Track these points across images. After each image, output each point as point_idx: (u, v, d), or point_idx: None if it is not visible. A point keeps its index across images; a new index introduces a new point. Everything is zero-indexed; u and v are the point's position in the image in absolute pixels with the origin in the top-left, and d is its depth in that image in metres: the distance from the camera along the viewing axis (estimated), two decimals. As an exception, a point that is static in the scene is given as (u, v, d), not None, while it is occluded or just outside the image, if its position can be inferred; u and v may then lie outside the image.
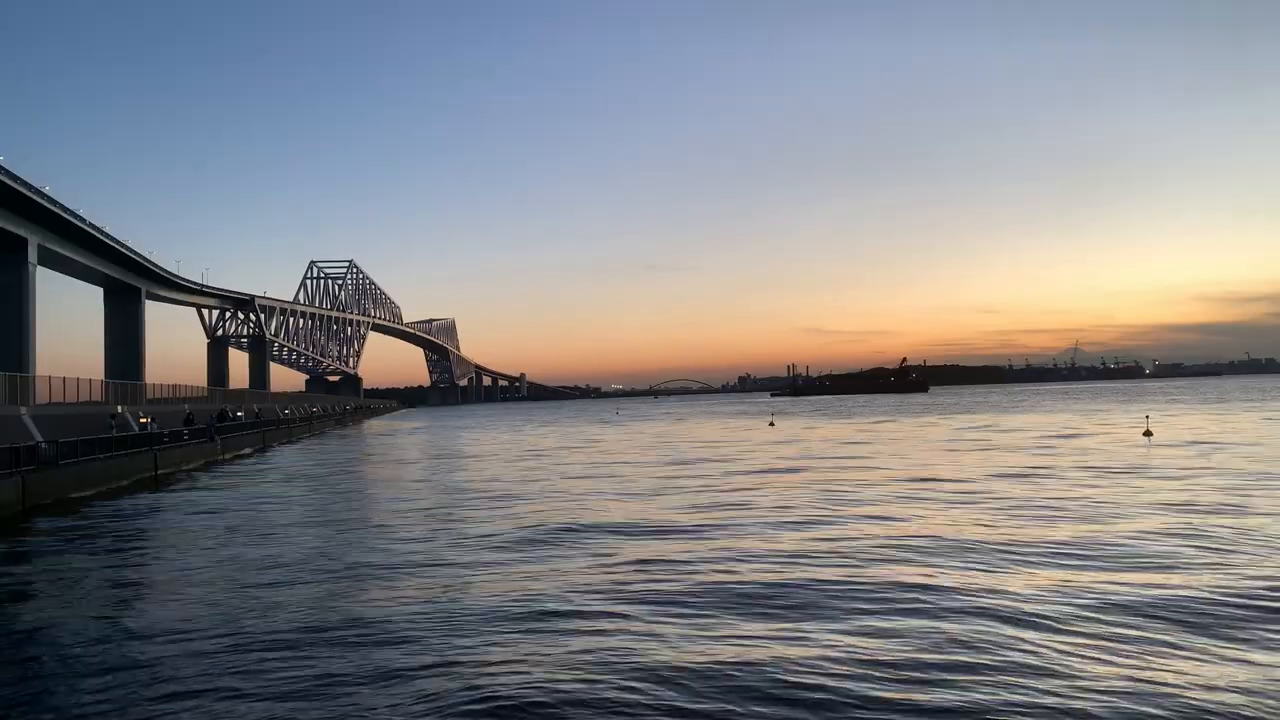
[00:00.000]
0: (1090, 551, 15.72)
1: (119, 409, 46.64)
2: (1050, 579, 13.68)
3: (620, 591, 13.73)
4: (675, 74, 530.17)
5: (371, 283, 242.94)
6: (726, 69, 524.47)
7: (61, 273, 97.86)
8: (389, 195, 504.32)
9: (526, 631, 11.57)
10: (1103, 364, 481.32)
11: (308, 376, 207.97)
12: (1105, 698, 8.52)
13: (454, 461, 47.09)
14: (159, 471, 39.29)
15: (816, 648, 10.42)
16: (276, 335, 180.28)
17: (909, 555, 15.92)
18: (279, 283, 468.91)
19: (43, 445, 30.80)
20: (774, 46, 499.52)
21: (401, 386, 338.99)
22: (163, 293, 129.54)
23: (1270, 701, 8.35)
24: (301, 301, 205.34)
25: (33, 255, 79.62)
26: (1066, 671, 9.32)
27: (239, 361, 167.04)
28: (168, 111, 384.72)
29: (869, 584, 13.66)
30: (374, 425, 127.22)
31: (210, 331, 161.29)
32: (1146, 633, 10.68)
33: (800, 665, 9.77)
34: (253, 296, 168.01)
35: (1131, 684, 8.88)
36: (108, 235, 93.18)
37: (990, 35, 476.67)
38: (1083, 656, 9.80)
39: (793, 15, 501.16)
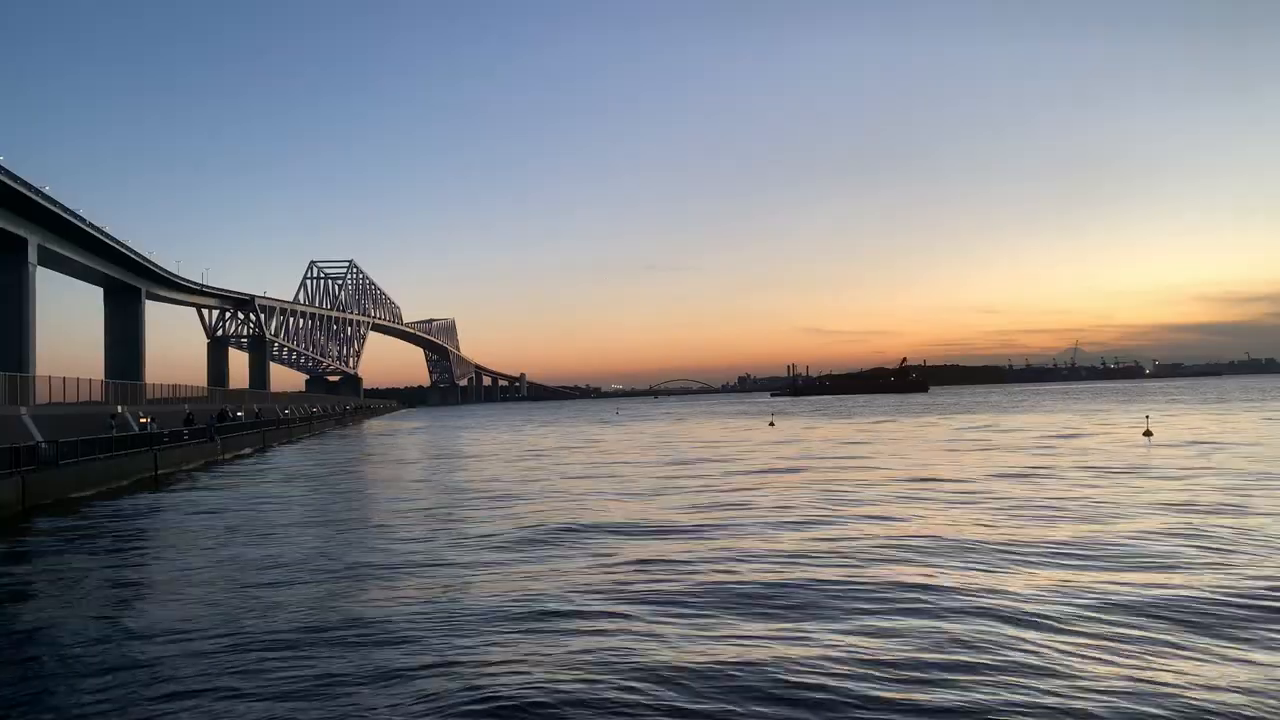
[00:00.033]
0: (1090, 551, 15.72)
1: (119, 409, 46.63)
2: (1050, 579, 13.68)
3: (620, 591, 13.72)
4: (675, 74, 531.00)
5: (371, 283, 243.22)
6: (726, 69, 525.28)
7: (61, 273, 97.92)
8: (389, 195, 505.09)
9: (527, 631, 11.57)
10: (1103, 364, 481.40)
11: (308, 376, 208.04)
12: (1106, 697, 8.51)
13: (454, 461, 47.09)
14: (159, 471, 39.29)
15: (817, 647, 10.42)
16: (276, 335, 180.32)
17: (909, 555, 15.92)
18: (279, 283, 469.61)
19: (43, 445, 30.80)
20: (774, 46, 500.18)
21: (401, 386, 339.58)
22: (163, 293, 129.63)
23: (1271, 701, 8.34)
24: (301, 301, 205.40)
25: (33, 255, 79.67)
26: (1067, 671, 9.32)
27: (239, 361, 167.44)
28: (168, 111, 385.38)
29: (869, 584, 13.66)
30: (374, 425, 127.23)
31: (210, 331, 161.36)
32: (1147, 632, 10.67)
33: (801, 665, 9.76)
34: (253, 296, 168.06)
35: (1132, 684, 8.88)
36: (108, 235, 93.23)
37: (990, 35, 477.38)
38: (1083, 656, 9.80)
39: (793, 15, 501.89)
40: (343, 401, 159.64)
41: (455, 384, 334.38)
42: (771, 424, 77.81)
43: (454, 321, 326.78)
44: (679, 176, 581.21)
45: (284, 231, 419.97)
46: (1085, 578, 13.66)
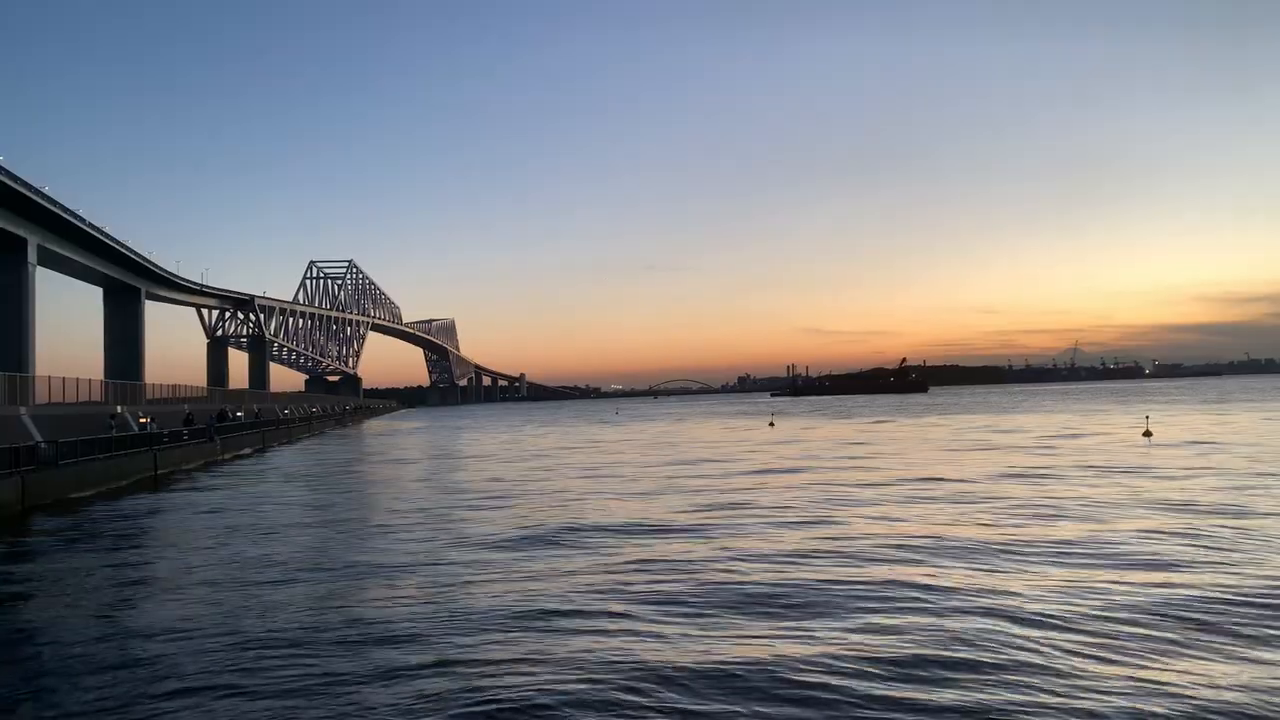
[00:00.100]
0: (1090, 551, 15.72)
1: (118, 409, 46.62)
2: (1051, 578, 13.68)
3: (621, 591, 13.72)
4: (675, 74, 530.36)
5: (371, 283, 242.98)
6: (726, 69, 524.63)
7: (61, 273, 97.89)
8: (389, 195, 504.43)
9: (527, 631, 11.56)
10: (1102, 364, 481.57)
11: (307, 376, 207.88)
12: (1107, 696, 8.51)
13: (454, 461, 47.09)
14: (158, 472, 39.28)
15: (818, 646, 10.41)
16: (276, 335, 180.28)
17: (910, 555, 15.91)
18: (279, 283, 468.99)
19: (42, 445, 30.80)
20: (774, 46, 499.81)
21: (401, 386, 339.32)
22: (162, 293, 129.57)
23: (1273, 700, 8.34)
24: (301, 301, 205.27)
25: (32, 255, 79.64)
26: (1068, 670, 9.32)
27: (239, 361, 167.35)
28: (168, 111, 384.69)
29: (870, 583, 13.65)
30: (373, 425, 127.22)
31: (210, 331, 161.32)
32: (1147, 632, 10.67)
33: (802, 664, 9.76)
34: (252, 296, 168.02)
35: (1132, 683, 8.88)
36: (107, 235, 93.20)
37: (990, 35, 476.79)
38: (1084, 655, 9.80)
39: (793, 15, 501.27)
40: (342, 401, 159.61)
41: (455, 384, 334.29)
42: (771, 424, 77.81)
43: (454, 321, 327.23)
44: (679, 176, 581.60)
45: (284, 231, 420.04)
46: (1086, 577, 13.65)
